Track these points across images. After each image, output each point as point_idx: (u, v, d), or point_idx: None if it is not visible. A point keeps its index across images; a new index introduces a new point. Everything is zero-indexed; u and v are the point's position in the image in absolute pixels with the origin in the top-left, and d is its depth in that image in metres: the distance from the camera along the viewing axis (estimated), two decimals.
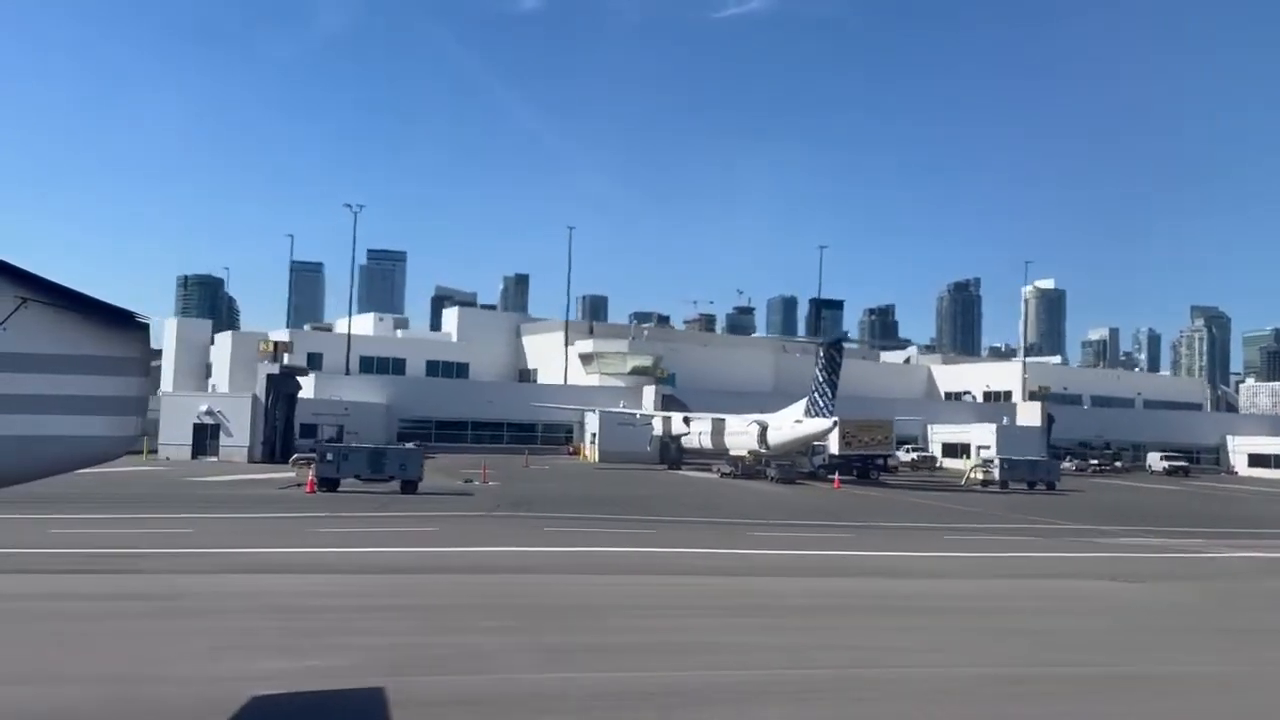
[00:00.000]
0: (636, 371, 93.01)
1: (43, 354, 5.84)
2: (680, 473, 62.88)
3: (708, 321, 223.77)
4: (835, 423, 55.04)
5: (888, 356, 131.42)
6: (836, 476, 55.47)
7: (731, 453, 63.13)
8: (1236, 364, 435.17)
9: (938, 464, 78.73)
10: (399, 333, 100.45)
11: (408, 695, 10.10)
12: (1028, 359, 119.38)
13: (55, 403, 5.94)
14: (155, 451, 61.19)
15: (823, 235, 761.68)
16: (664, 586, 18.60)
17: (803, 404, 57.71)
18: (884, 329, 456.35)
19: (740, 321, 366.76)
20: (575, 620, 14.70)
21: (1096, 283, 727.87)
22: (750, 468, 58.12)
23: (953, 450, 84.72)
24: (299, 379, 63.92)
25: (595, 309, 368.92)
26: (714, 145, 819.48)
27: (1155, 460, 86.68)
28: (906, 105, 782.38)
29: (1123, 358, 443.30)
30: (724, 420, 65.17)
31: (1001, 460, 57.68)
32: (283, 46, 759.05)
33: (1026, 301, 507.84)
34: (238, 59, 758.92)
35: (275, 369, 61.06)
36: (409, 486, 39.44)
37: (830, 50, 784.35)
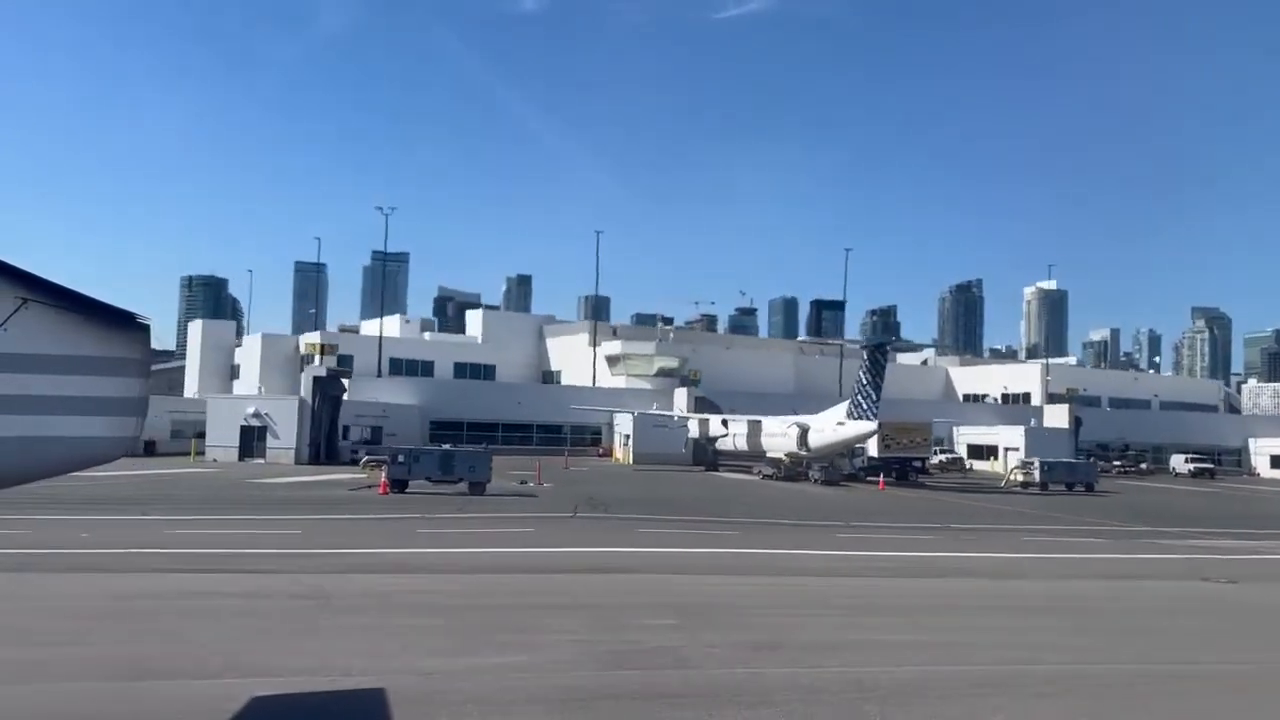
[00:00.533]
0: (662, 373, 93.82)
1: (44, 355, 5.83)
2: (720, 475, 63.54)
3: (709, 322, 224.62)
4: (879, 425, 55.73)
5: (904, 358, 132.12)
6: (881, 478, 56.23)
7: (769, 455, 63.84)
8: (1237, 365, 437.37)
9: (967, 466, 79.42)
10: (426, 335, 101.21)
11: (621, 689, 10.79)
12: (1045, 361, 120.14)
13: (56, 403, 5.93)
14: (203, 453, 62.05)
15: (823, 236, 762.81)
16: (794, 587, 19.31)
17: (844, 406, 58.37)
18: (886, 330, 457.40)
19: (742, 322, 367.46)
20: (736, 619, 15.30)
21: (1097, 283, 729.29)
22: (792, 470, 58.80)
23: (978, 452, 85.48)
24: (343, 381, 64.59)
25: (597, 309, 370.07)
26: (715, 146, 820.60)
27: (1180, 462, 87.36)
28: (907, 105, 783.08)
29: (1123, 358, 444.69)
30: (760, 422, 65.88)
31: (1041, 463, 58.48)
32: (284, 48, 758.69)
33: (1029, 303, 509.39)
34: (240, 60, 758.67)
35: (322, 371, 61.77)
36: (477, 488, 40.15)
37: (830, 51, 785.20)
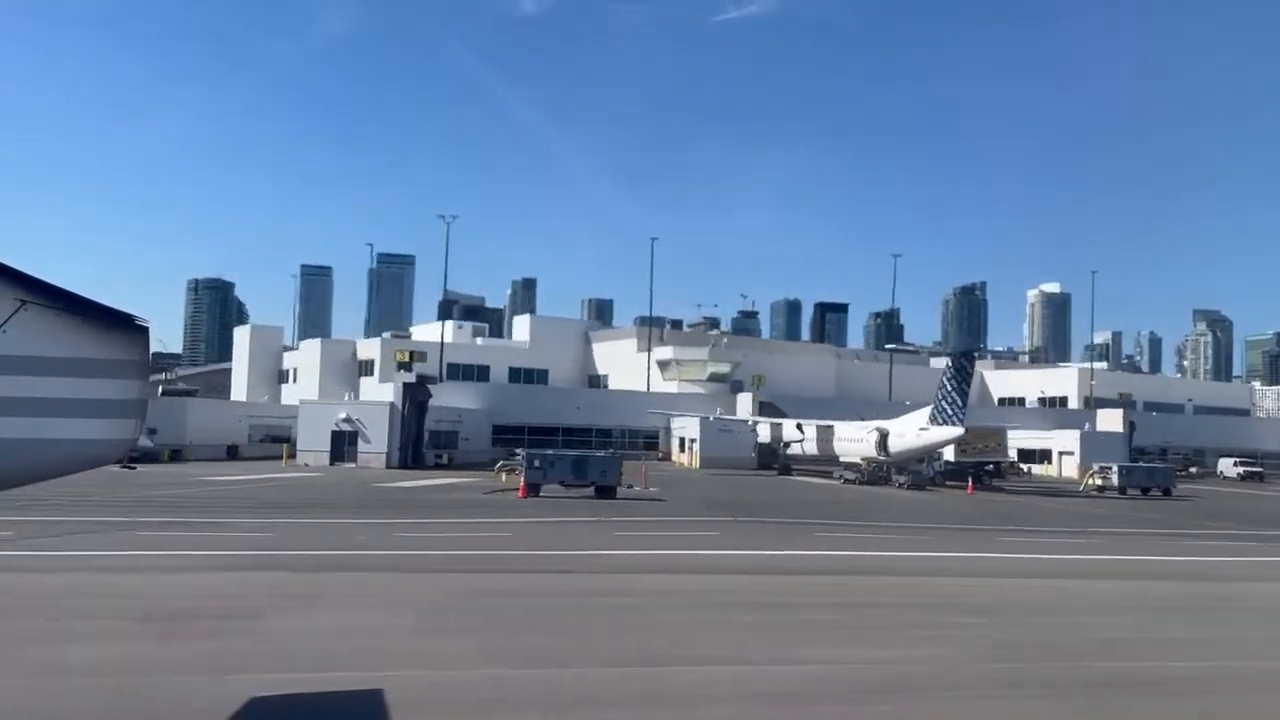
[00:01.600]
0: (714, 378, 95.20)
1: (42, 357, 5.82)
2: (798, 479, 64.75)
3: (712, 324, 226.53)
4: (965, 430, 57.03)
5: (935, 362, 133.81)
6: (970, 484, 57.52)
7: (842, 459, 65.19)
8: (1238, 367, 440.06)
9: (1025, 470, 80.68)
10: (478, 340, 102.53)
11: (1073, 678, 12.10)
12: (1091, 365, 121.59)
13: (54, 405, 5.92)
14: (294, 457, 63.30)
15: (824, 239, 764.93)
16: (1054, 588, 20.67)
17: (926, 411, 59.64)
18: (890, 333, 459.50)
19: (744, 325, 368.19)
20: (1043, 618, 16.67)
21: (1099, 286, 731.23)
22: (874, 474, 60.01)
23: (1029, 456, 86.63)
24: (429, 388, 65.91)
25: (601, 312, 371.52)
26: (715, 149, 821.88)
27: (1228, 466, 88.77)
28: (908, 106, 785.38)
29: (1124, 361, 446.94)
30: (833, 427, 67.23)
31: (1120, 467, 59.83)
32: (285, 51, 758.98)
33: (1032, 305, 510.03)
34: (239, 64, 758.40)
35: (412, 378, 63.13)
36: (607, 492, 41.28)
37: (830, 52, 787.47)
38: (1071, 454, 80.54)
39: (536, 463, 41.59)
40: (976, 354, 67.96)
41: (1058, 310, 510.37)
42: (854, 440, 64.26)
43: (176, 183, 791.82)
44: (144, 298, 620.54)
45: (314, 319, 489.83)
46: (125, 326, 6.27)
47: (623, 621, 14.93)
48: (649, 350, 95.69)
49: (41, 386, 5.84)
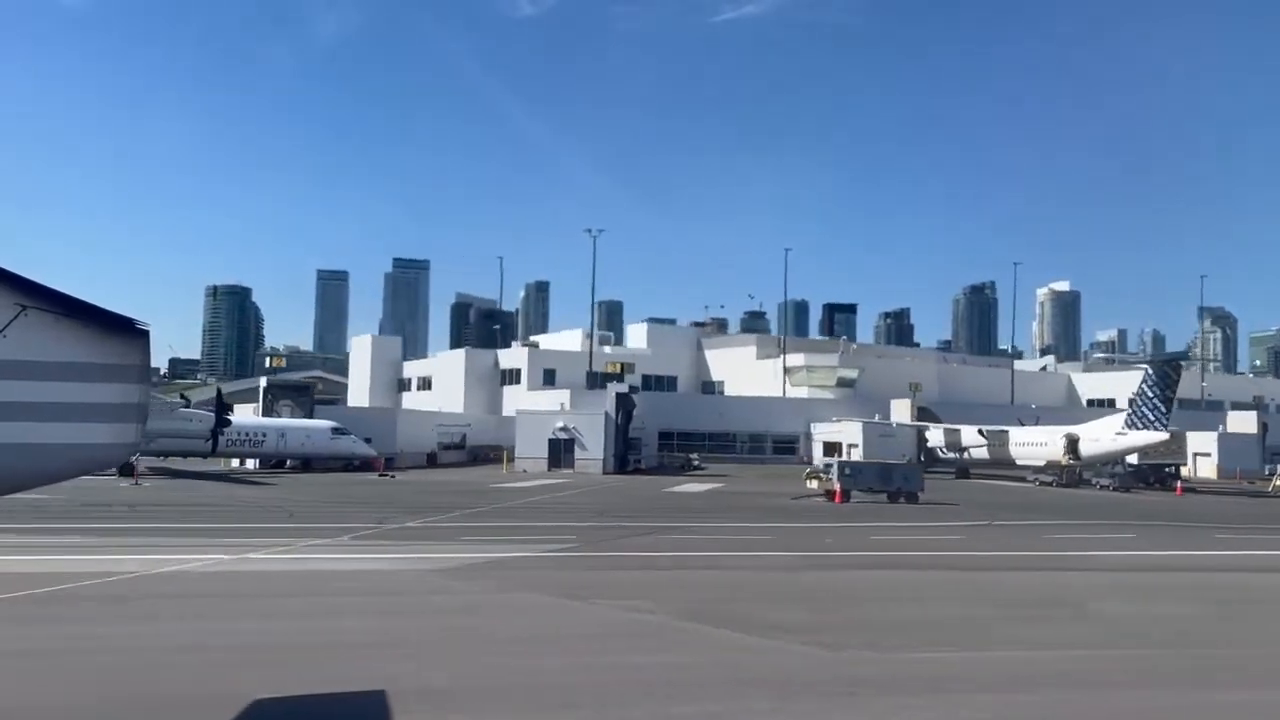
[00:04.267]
0: (841, 383, 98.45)
1: (42, 361, 5.87)
2: (987, 482, 67.71)
3: (720, 325, 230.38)
4: (1171, 435, 60.29)
5: (1020, 365, 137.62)
6: (1179, 485, 60.69)
7: (1019, 462, 68.53)
8: (1243, 364, 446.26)
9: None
10: (606, 348, 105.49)
11: None
12: (1201, 367, 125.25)
13: (55, 410, 5.96)
14: (513, 463, 66.32)
15: (831, 240, 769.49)
16: None
17: (1120, 417, 62.99)
18: (899, 333, 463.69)
19: (752, 325, 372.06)
20: None
21: (1105, 284, 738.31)
22: (1074, 477, 63.01)
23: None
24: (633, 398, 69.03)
25: (611, 314, 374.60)
26: (720, 149, 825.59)
27: None
28: (913, 107, 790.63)
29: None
30: (1007, 432, 70.58)
31: None
32: (285, 58, 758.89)
33: (1042, 304, 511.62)
34: (242, 68, 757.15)
35: (624, 388, 66.23)
36: (910, 497, 44.51)
37: (831, 51, 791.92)
38: (1208, 455, 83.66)
39: (847, 470, 44.95)
40: (1183, 363, 71.07)
41: (1067, 308, 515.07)
42: (1037, 444, 67.53)
43: (188, 188, 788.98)
44: (161, 304, 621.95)
45: (330, 324, 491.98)
46: (126, 330, 6.32)
47: None
48: (783, 357, 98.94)
49: (42, 391, 5.92)
